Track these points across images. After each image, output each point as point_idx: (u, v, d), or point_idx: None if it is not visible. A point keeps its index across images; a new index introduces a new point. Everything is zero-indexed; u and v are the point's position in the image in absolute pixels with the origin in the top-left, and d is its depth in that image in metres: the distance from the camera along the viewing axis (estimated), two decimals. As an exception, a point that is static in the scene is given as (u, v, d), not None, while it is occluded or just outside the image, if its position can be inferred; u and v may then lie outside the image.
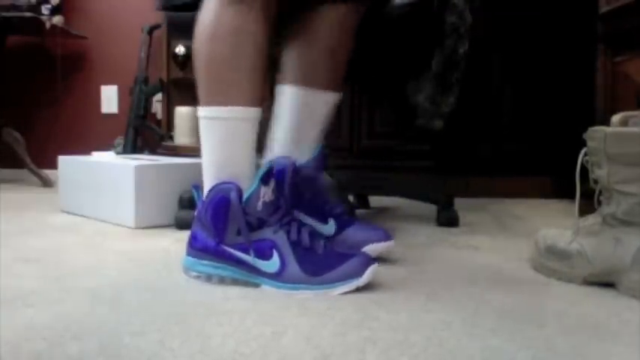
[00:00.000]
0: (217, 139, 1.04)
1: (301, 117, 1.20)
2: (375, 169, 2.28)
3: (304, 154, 1.20)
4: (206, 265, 1.02)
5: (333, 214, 1.18)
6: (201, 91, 1.06)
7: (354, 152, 2.35)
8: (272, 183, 1.01)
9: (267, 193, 1.00)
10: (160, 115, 2.86)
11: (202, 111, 1.06)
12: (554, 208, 2.05)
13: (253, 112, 1.05)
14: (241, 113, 1.04)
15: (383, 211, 1.90)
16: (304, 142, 1.21)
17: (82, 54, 2.97)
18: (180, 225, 1.51)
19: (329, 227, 1.17)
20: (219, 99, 1.04)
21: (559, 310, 0.89)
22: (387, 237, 1.16)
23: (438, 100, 1.62)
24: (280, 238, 1.00)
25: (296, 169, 1.13)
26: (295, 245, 1.00)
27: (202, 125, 1.06)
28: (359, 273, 0.98)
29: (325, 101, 1.22)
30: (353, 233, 1.16)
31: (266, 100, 1.14)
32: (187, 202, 1.53)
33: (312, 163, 1.19)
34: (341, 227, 1.17)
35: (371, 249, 1.14)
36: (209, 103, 1.05)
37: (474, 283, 1.04)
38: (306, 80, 1.20)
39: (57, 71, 2.93)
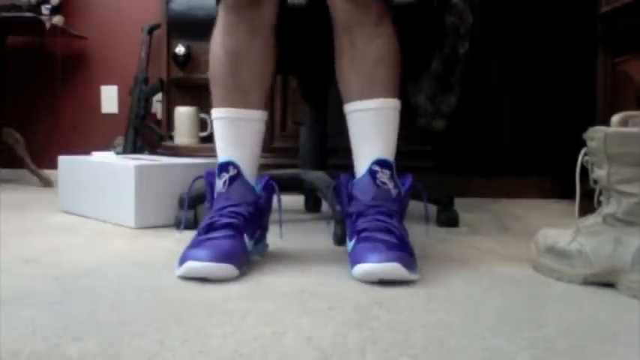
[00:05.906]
0: (228, 136, 1.20)
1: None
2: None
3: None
4: None
5: None
6: (216, 95, 1.22)
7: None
8: None
9: None
10: (160, 115, 2.86)
11: (216, 112, 1.22)
12: (554, 208, 2.05)
13: (259, 114, 1.22)
14: (250, 115, 1.20)
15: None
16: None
17: (82, 54, 2.97)
18: (180, 225, 1.51)
19: None
20: (232, 102, 1.20)
21: (559, 310, 0.89)
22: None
23: (437, 101, 1.63)
24: None
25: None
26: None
27: (216, 125, 1.22)
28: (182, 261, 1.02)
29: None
30: None
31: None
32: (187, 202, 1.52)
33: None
34: None
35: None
36: (222, 105, 1.21)
37: (474, 283, 1.04)
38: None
39: (57, 71, 2.93)
